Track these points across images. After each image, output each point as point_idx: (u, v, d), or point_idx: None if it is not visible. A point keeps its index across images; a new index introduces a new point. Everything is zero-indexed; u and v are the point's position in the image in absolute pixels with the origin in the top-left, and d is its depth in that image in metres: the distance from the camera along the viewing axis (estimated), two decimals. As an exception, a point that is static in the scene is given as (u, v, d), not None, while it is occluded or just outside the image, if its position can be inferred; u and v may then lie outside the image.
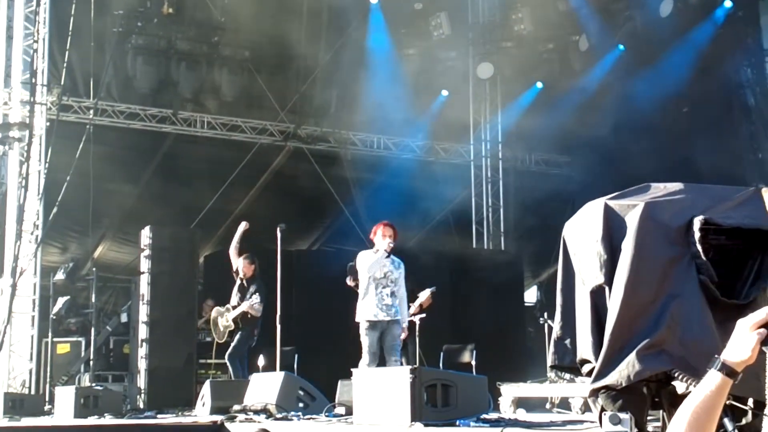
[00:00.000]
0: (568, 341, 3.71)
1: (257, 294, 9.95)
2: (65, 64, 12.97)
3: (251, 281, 10.29)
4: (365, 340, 7.82)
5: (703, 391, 1.58)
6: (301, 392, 7.80)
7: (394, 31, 15.66)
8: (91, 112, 13.89)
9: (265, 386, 7.93)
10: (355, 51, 15.47)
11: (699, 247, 3.20)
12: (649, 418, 3.55)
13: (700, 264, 3.21)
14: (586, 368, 3.54)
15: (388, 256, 7.97)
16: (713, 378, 1.59)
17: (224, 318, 10.36)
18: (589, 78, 15.31)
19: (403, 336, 9.78)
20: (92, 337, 12.84)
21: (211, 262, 14.19)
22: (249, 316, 10.15)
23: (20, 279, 11.69)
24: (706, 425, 1.56)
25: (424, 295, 9.77)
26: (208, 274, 13.95)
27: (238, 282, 10.41)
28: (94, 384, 11.49)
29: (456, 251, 15.91)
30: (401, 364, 7.97)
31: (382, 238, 7.98)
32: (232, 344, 10.29)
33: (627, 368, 3.15)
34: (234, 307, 10.23)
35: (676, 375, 3.08)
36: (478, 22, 16.06)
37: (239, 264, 10.38)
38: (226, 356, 10.27)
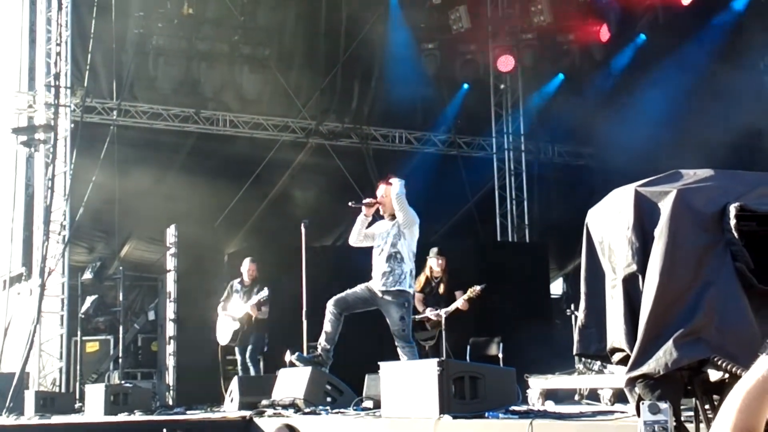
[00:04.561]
0: (593, 329, 3.70)
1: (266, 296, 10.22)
2: (88, 66, 13.10)
3: (255, 283, 10.51)
4: None
5: (753, 377, 1.57)
6: (328, 386, 7.82)
7: (413, 26, 15.65)
8: (115, 112, 14.03)
9: (292, 381, 7.96)
10: (375, 47, 15.49)
11: (735, 234, 3.18)
12: (681, 407, 3.53)
13: (736, 251, 3.19)
14: (617, 357, 3.53)
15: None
16: (764, 363, 1.58)
17: (230, 320, 10.55)
18: (610, 68, 15.22)
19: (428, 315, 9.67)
20: (121, 336, 12.99)
21: (235, 259, 14.23)
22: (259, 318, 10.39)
23: (49, 279, 11.84)
24: (757, 411, 1.55)
25: (472, 293, 9.72)
26: (232, 271, 14.01)
27: (240, 285, 10.60)
28: (123, 381, 11.62)
29: (480, 245, 15.88)
30: (413, 354, 7.68)
31: None
32: (254, 347, 10.49)
33: (664, 356, 3.13)
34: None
35: (716, 361, 3.06)
36: (497, 15, 16.00)
37: (245, 266, 10.59)
38: (248, 357, 10.45)
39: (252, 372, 10.42)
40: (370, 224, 7.95)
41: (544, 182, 16.64)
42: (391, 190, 7.67)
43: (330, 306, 7.75)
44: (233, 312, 10.58)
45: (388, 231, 7.70)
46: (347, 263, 12.63)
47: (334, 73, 15.40)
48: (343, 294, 7.80)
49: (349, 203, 8.05)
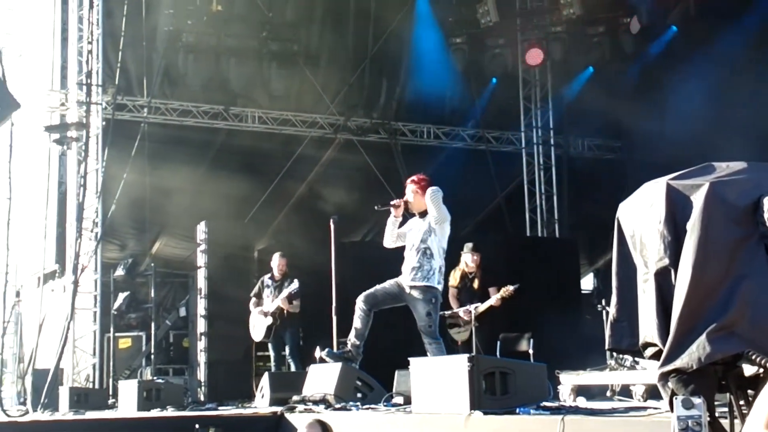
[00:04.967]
0: (625, 323, 3.66)
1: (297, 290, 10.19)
2: (119, 64, 13.23)
3: (286, 278, 10.51)
4: None
5: None
6: (358, 382, 7.82)
7: (441, 20, 15.61)
8: (145, 110, 14.15)
9: (322, 377, 7.98)
10: (403, 41, 15.48)
11: (769, 227, 3.14)
12: (715, 402, 3.49)
13: (770, 244, 3.15)
14: (649, 351, 3.49)
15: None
16: None
17: (263, 316, 10.54)
18: (641, 60, 15.07)
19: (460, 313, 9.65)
20: (152, 332, 13.10)
21: (265, 255, 14.28)
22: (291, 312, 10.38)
23: (82, 276, 11.94)
24: None
25: (505, 293, 9.70)
26: (262, 268, 14.07)
27: (270, 281, 10.60)
28: (155, 377, 11.71)
29: (509, 240, 15.81)
30: (440, 350, 7.65)
31: None
32: (292, 343, 10.47)
33: (697, 351, 3.10)
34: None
35: (750, 356, 3.02)
36: (525, 8, 15.91)
37: (275, 261, 10.59)
38: (289, 355, 10.43)
39: (293, 368, 10.37)
40: (401, 224, 7.94)
41: (573, 176, 16.52)
42: (428, 189, 7.67)
43: (359, 302, 7.76)
44: (265, 308, 10.59)
45: (419, 227, 7.71)
46: (376, 259, 12.65)
47: (362, 69, 15.42)
48: (372, 290, 7.81)
49: (376, 207, 8.07)
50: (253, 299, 10.74)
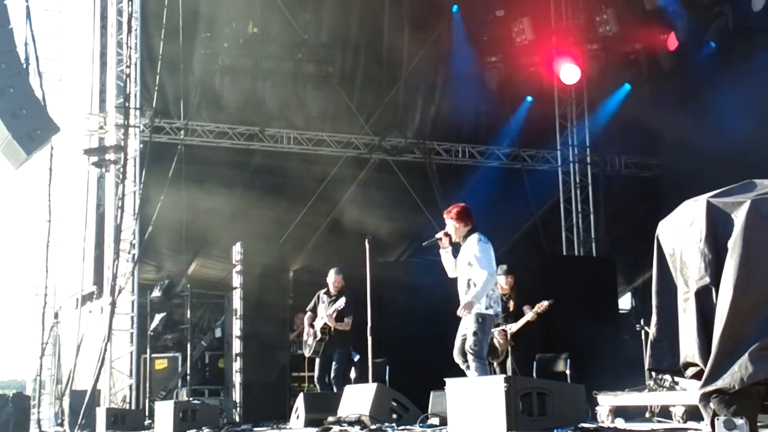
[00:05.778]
0: (665, 343, 3.61)
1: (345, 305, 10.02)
2: (156, 87, 13.37)
3: (341, 294, 10.35)
4: None
5: None
6: (394, 403, 7.78)
7: (476, 39, 15.59)
8: (182, 132, 14.29)
9: (358, 398, 7.94)
10: (438, 61, 15.48)
11: (811, 244, 3.07)
12: (758, 423, 3.40)
13: (813, 261, 3.07)
14: (690, 371, 3.42)
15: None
16: None
17: (313, 332, 10.41)
18: (678, 77, 14.91)
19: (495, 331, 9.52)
20: (188, 353, 13.14)
21: (300, 275, 14.32)
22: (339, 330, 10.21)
23: (119, 297, 12.02)
24: None
25: (540, 308, 9.62)
26: (297, 288, 14.09)
27: (326, 296, 10.47)
28: (191, 398, 11.73)
29: (546, 259, 15.67)
30: (484, 371, 7.54)
31: None
32: (338, 364, 10.27)
33: (740, 370, 3.03)
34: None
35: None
36: (561, 26, 15.83)
37: (330, 278, 10.43)
38: (333, 377, 10.22)
39: (335, 390, 10.13)
40: (455, 251, 7.86)
41: (610, 195, 16.36)
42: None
43: (457, 359, 7.60)
44: (316, 323, 10.43)
45: (462, 259, 7.66)
46: (411, 280, 12.64)
47: (396, 89, 15.44)
48: (456, 342, 7.69)
49: (423, 244, 8.05)
50: (309, 313, 10.54)
